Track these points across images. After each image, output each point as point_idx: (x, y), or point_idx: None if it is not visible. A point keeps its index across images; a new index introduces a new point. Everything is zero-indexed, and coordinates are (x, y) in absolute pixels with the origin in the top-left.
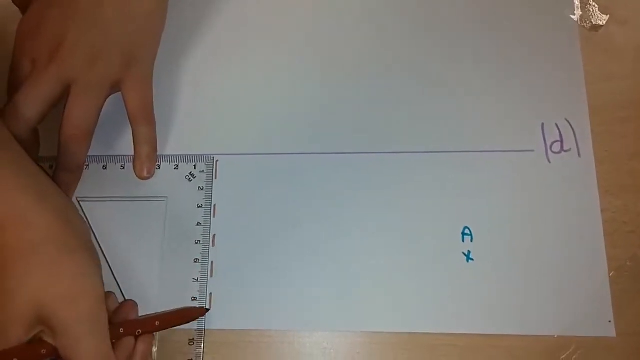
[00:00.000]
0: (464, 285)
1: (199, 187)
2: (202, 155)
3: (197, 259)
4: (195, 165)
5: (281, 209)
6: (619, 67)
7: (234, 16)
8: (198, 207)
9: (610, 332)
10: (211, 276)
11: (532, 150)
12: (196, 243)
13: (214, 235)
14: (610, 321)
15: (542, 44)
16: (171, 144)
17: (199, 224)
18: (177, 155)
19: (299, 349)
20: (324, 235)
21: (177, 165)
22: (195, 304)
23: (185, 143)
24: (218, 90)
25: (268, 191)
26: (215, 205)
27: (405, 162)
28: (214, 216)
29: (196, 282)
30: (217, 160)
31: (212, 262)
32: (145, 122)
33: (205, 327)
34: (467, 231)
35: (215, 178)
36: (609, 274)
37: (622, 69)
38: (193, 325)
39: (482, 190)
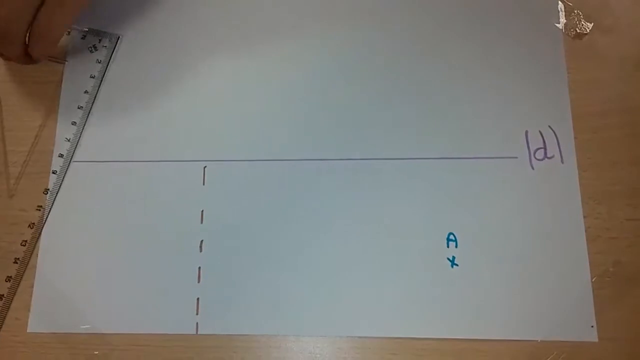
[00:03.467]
0: (449, 290)
1: (97, 59)
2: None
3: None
4: (100, 40)
5: (269, 216)
6: (602, 75)
7: (225, 23)
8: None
9: (593, 336)
10: (198, 282)
11: (516, 157)
12: None
13: (202, 241)
14: (592, 326)
15: (526, 52)
16: (161, 149)
17: (86, 91)
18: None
19: (285, 354)
20: (310, 241)
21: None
22: None
23: (175, 149)
24: (207, 97)
25: (256, 198)
26: (203, 211)
27: (390, 168)
28: (201, 222)
29: None
30: (205, 166)
31: (199, 268)
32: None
33: (191, 332)
34: (451, 237)
35: (203, 184)
36: (592, 280)
37: (605, 77)
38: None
39: (466, 197)
